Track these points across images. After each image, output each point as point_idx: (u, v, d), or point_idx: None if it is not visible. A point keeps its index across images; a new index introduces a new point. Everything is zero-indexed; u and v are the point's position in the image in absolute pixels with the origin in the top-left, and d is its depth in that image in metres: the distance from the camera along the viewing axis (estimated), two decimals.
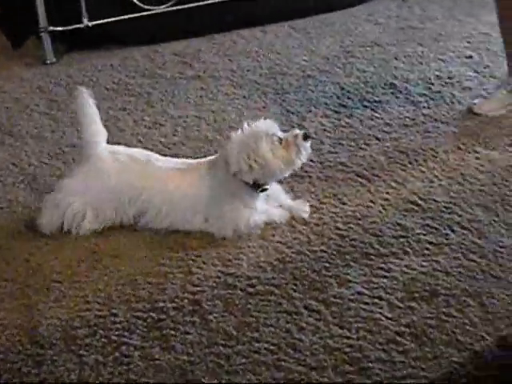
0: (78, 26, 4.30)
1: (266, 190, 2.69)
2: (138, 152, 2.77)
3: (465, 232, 2.68)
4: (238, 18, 4.55)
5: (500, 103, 3.42)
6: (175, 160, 2.80)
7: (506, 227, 2.70)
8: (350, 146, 3.24)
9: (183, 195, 2.67)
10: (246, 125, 2.61)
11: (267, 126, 2.62)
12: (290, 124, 3.40)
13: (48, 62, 4.32)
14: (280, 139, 2.61)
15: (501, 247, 2.62)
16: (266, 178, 2.65)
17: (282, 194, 2.79)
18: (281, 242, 2.66)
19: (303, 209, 2.76)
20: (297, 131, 2.65)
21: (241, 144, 2.58)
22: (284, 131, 2.70)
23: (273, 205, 2.75)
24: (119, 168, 2.68)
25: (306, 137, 2.63)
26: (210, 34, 4.51)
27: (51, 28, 4.27)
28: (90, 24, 4.29)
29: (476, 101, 3.50)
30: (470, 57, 4.05)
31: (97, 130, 2.71)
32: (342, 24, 4.56)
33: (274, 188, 2.75)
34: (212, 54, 4.27)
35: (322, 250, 2.61)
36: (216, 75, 3.97)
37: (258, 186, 2.65)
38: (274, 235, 2.69)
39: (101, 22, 4.32)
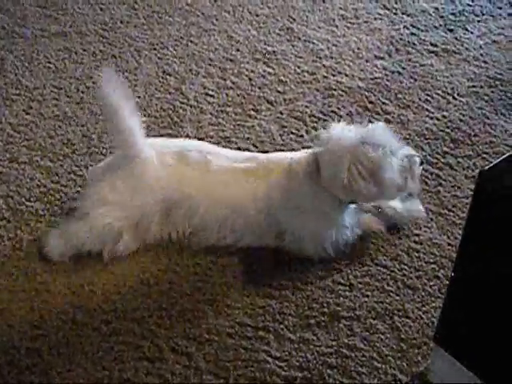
0: None
1: (356, 202, 2.07)
2: (190, 147, 2.14)
3: None
4: None
5: None
6: (239, 155, 2.16)
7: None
8: (236, 113, 2.68)
9: (252, 205, 2.05)
10: (364, 128, 2.00)
11: (387, 138, 1.98)
12: (166, 89, 2.81)
13: None
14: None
15: (416, 243, 2.12)
16: (366, 200, 2.05)
17: None
18: (146, 256, 2.11)
19: (417, 208, 2.18)
20: (413, 153, 2.03)
21: (356, 154, 1.93)
22: None
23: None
24: (168, 173, 2.06)
25: (421, 162, 2.03)
26: None
27: None
28: None
29: None
30: None
31: (133, 121, 2.05)
32: None
33: None
34: (81, 2, 3.60)
35: (196, 264, 2.07)
36: (83, 30, 3.32)
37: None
38: (138, 248, 2.13)
39: None
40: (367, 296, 1.97)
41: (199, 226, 2.07)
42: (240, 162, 2.08)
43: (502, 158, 1.39)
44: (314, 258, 2.05)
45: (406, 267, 2.06)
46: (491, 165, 1.38)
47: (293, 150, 2.46)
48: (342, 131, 1.98)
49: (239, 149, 2.45)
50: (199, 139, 2.52)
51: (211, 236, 2.08)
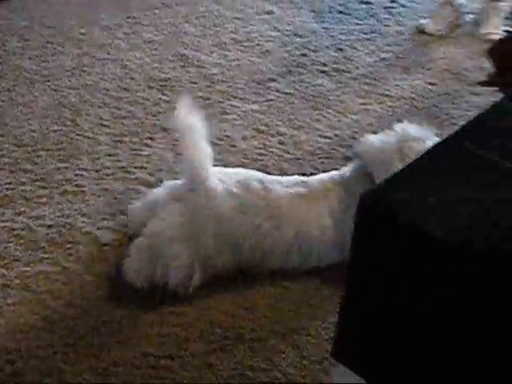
0: None
1: None
2: (249, 175, 2.14)
3: None
4: None
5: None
6: (291, 180, 2.17)
7: None
8: (133, 142, 2.69)
9: (316, 227, 2.09)
10: (397, 129, 2.14)
11: (421, 131, 2.12)
12: (62, 121, 2.81)
13: None
14: None
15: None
16: None
17: None
18: (48, 293, 2.10)
19: None
20: None
21: (403, 151, 2.05)
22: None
23: None
24: (235, 204, 2.04)
25: None
26: None
27: None
28: None
29: (424, 21, 3.50)
30: (271, 12, 3.56)
31: (204, 150, 2.01)
32: None
33: None
34: None
35: (99, 298, 2.08)
36: None
37: None
38: (39, 283, 2.12)
39: None
40: (268, 317, 2.02)
41: (266, 253, 2.08)
42: (294, 187, 2.12)
43: (382, 180, 1.46)
44: None
45: (304, 286, 2.11)
46: (372, 187, 1.45)
47: None
48: (379, 139, 2.13)
49: (137, 178, 2.48)
50: (96, 171, 2.54)
51: (278, 261, 2.10)
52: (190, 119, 2.00)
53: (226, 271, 2.08)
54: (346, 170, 2.20)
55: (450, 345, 1.44)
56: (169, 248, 2.01)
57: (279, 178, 2.19)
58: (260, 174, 2.17)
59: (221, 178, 2.07)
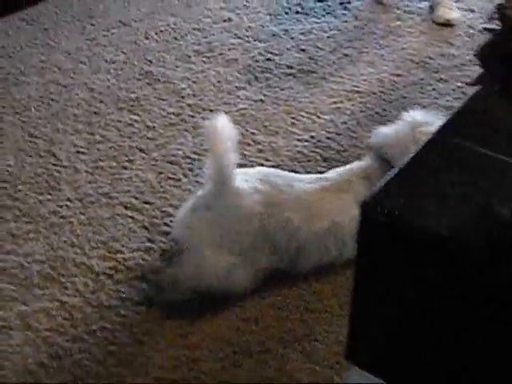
0: None
1: None
2: (271, 173, 2.17)
3: None
4: None
5: None
6: (312, 176, 2.24)
7: None
8: (111, 167, 2.68)
9: (348, 215, 2.08)
10: (406, 117, 2.27)
11: (429, 116, 2.26)
12: (37, 153, 2.79)
13: None
14: None
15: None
16: None
17: None
18: (51, 329, 2.09)
19: None
20: None
21: (416, 137, 2.15)
22: None
23: None
24: (263, 200, 2.05)
25: None
26: None
27: None
28: None
29: None
30: (230, 19, 3.57)
31: (229, 153, 1.99)
32: (80, 5, 3.91)
33: None
34: None
35: (103, 328, 2.08)
36: None
37: None
38: (40, 321, 2.11)
39: None
40: (274, 327, 2.04)
41: (302, 247, 2.09)
42: (317, 182, 2.17)
43: (379, 187, 1.49)
44: None
45: (304, 292, 2.13)
46: (371, 194, 1.47)
47: (173, 195, 2.50)
48: (392, 129, 2.25)
49: (121, 203, 2.48)
50: (79, 200, 2.53)
51: (314, 256, 2.12)
52: (220, 123, 2.00)
53: (268, 269, 2.09)
54: (363, 162, 2.27)
55: (461, 339, 1.47)
56: (202, 254, 2.03)
57: (299, 175, 2.24)
58: (281, 172, 2.21)
59: (244, 177, 2.08)
